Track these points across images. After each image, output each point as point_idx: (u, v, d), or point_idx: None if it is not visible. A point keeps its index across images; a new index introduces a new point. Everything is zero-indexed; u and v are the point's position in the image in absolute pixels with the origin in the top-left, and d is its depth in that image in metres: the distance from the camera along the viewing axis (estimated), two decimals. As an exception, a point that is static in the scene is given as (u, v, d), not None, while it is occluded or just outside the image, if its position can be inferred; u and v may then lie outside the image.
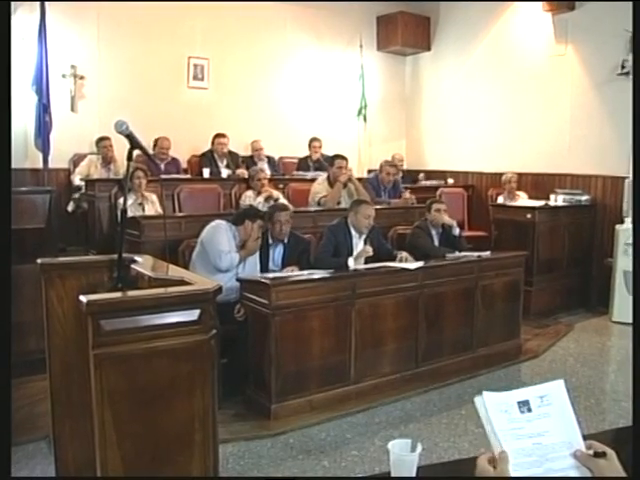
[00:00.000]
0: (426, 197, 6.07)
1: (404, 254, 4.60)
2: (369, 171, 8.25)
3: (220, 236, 4.16)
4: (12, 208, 3.19)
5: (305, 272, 4.07)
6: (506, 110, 7.96)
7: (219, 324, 2.68)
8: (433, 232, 5.16)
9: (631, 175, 5.74)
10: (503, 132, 8.00)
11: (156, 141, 6.78)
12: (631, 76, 6.00)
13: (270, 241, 4.52)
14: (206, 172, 6.68)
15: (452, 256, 4.83)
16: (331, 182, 5.87)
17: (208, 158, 7.05)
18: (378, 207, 5.45)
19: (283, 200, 5.93)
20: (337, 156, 6.04)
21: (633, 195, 4.85)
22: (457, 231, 5.12)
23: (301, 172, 7.33)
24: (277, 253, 4.54)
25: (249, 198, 5.90)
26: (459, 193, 8.10)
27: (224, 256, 4.11)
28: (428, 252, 4.83)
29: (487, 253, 4.91)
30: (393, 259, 4.56)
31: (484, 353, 4.74)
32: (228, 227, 4.24)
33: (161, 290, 2.00)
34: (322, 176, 6.15)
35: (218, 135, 7.13)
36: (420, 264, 4.32)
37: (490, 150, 8.16)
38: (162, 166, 6.65)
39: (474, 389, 4.20)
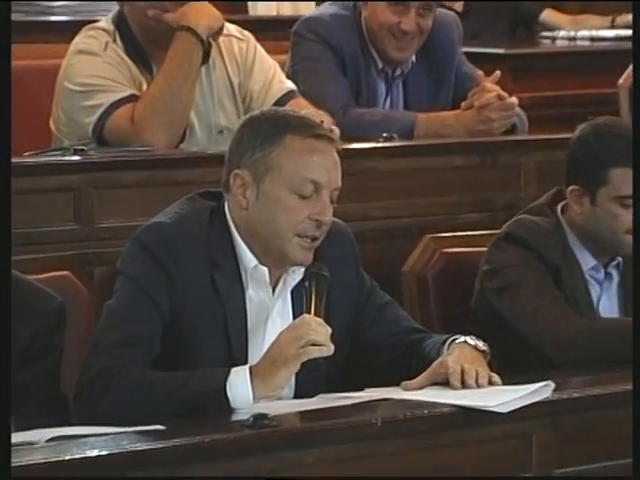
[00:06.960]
0: (573, 106, 4.17)
1: (473, 353, 2.48)
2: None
3: None
4: None
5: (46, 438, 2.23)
6: None
7: None
8: (591, 264, 3.09)
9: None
10: None
11: None
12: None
13: None
14: None
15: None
16: (143, 50, 3.16)
17: None
18: (358, 146, 3.29)
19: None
20: None
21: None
22: None
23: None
24: None
25: None
26: None
27: None
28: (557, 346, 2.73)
29: None
30: (419, 367, 2.49)
31: None
32: None
33: None
34: (105, 18, 3.32)
35: None
36: (537, 391, 2.35)
37: None
38: None
39: None
